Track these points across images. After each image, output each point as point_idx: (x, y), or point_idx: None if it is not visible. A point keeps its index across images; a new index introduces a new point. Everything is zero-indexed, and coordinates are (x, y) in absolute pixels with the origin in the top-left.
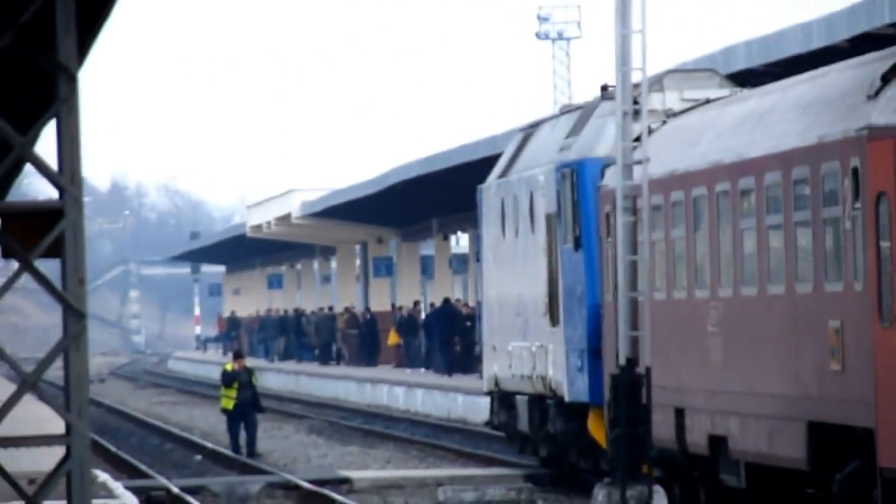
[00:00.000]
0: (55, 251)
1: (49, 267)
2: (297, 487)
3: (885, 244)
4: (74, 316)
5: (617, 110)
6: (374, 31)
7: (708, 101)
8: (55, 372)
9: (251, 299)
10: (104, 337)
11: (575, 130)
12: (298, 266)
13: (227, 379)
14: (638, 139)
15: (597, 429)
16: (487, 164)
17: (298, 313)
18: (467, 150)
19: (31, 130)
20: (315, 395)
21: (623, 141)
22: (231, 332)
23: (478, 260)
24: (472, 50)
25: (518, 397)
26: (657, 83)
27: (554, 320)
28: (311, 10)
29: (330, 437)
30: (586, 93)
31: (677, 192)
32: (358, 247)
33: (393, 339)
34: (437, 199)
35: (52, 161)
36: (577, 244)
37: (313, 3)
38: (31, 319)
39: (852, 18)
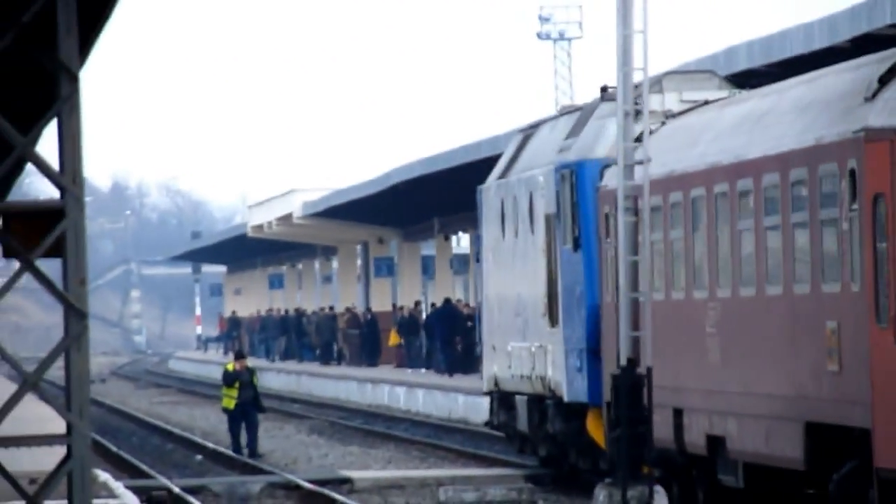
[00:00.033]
0: (56, 251)
1: (50, 267)
2: (298, 487)
3: (882, 245)
4: (76, 316)
5: (618, 110)
6: (376, 30)
7: (707, 103)
8: (56, 372)
9: (252, 299)
10: (105, 337)
11: (574, 131)
12: (299, 266)
13: (229, 379)
14: (638, 139)
15: (595, 429)
16: (489, 164)
17: (299, 313)
18: (469, 151)
19: (32, 130)
20: (316, 395)
21: (624, 141)
22: (232, 332)
23: (478, 260)
24: (474, 50)
25: (517, 397)
26: (656, 84)
27: (553, 321)
28: (314, 9)
29: (331, 437)
30: (588, 93)
31: (676, 193)
32: (359, 247)
33: (394, 339)
34: (439, 199)
35: (53, 161)
36: (577, 245)
37: (315, 2)
38: (33, 319)
39: (854, 19)
